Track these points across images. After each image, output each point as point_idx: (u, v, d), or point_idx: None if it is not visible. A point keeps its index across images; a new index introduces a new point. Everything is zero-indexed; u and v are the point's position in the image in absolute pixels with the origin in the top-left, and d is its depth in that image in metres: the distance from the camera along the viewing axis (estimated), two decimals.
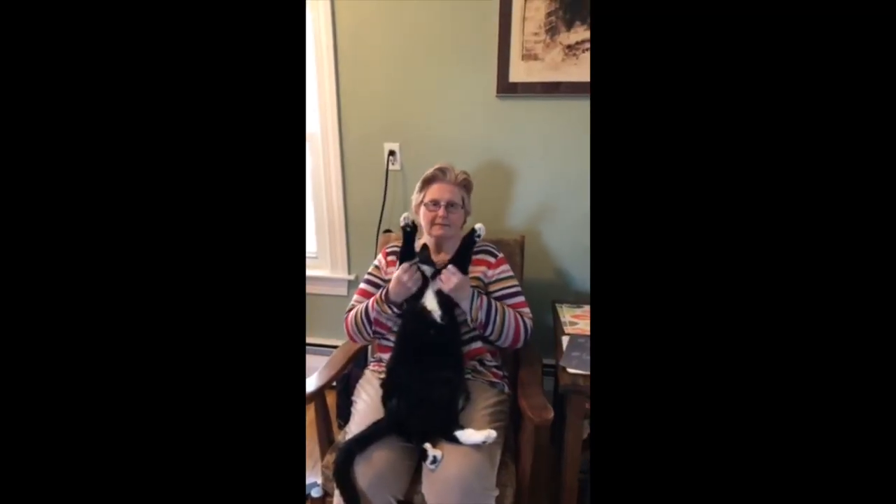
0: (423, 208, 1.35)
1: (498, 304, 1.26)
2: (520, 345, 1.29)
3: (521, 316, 1.28)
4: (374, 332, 1.29)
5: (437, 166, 1.36)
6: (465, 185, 1.38)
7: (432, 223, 1.32)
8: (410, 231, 1.23)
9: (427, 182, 1.36)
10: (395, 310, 1.24)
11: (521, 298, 1.34)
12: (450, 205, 1.31)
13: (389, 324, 1.28)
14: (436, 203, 1.31)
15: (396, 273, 1.21)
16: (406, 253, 1.24)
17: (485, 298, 1.24)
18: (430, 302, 1.21)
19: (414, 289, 1.20)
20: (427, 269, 1.22)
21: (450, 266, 1.20)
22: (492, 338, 1.26)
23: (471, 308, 1.21)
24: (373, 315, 1.26)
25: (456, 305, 1.23)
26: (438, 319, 1.20)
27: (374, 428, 1.12)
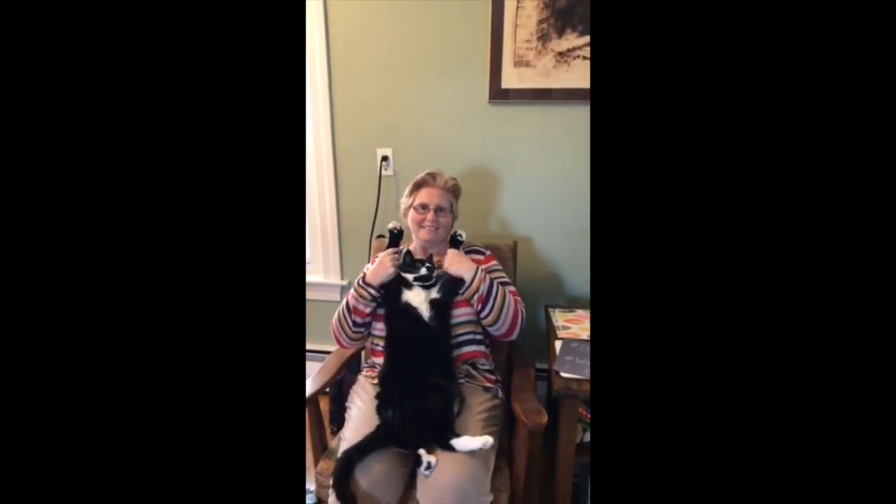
0: (411, 211, 1.36)
1: (498, 285, 1.28)
2: (515, 334, 1.29)
3: (517, 302, 1.30)
4: (354, 324, 1.30)
5: (427, 171, 1.37)
6: (454, 190, 1.40)
7: (420, 226, 1.34)
8: (396, 234, 1.32)
9: (417, 186, 1.37)
10: (372, 292, 1.27)
11: (513, 288, 1.36)
12: (438, 209, 1.33)
13: (367, 310, 1.29)
14: (425, 207, 1.33)
15: (380, 255, 1.28)
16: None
17: (488, 275, 1.27)
18: (415, 298, 1.23)
19: (392, 270, 1.24)
20: (420, 270, 1.25)
21: (449, 250, 1.29)
22: (489, 319, 1.26)
23: (473, 278, 1.23)
24: (352, 303, 1.28)
25: (450, 308, 1.25)
26: (426, 317, 1.22)
27: (373, 438, 1.11)
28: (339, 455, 1.11)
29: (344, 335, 1.32)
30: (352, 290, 1.31)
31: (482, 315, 1.26)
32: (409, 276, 1.24)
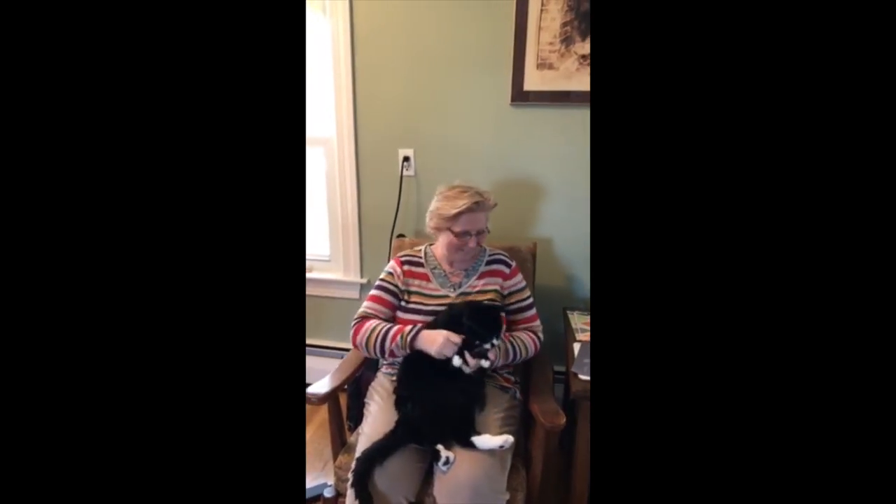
0: (449, 234, 1.29)
1: (519, 343, 1.27)
2: None
3: (535, 335, 1.33)
4: (383, 355, 1.27)
5: (472, 198, 1.26)
6: (492, 208, 1.34)
7: (459, 250, 1.29)
8: (469, 324, 1.18)
9: (459, 214, 1.26)
10: (410, 352, 1.23)
11: (533, 311, 1.37)
12: (479, 232, 1.29)
13: (401, 354, 1.26)
14: (467, 233, 1.27)
15: (445, 333, 1.18)
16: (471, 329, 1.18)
17: (510, 353, 1.26)
18: (458, 361, 1.18)
19: (446, 355, 1.17)
20: (472, 362, 1.18)
21: (491, 354, 1.19)
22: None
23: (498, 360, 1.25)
24: (389, 346, 1.23)
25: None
26: (468, 372, 1.20)
27: (392, 438, 1.11)
28: (358, 455, 1.11)
29: (365, 352, 1.28)
30: (384, 301, 1.30)
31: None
32: (480, 361, 1.18)
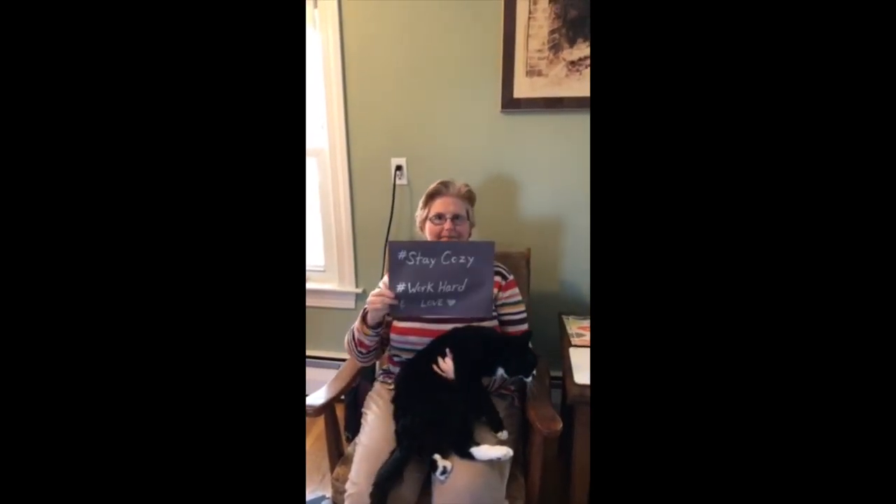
0: (428, 223, 1.37)
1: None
2: None
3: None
4: (360, 353, 1.32)
5: (439, 181, 1.38)
6: (469, 197, 1.40)
7: (439, 237, 1.34)
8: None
9: (430, 197, 1.37)
10: (374, 332, 1.28)
11: (525, 326, 1.36)
12: (455, 217, 1.34)
13: (371, 343, 1.30)
14: (441, 217, 1.34)
15: (376, 293, 1.23)
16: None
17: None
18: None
19: (382, 309, 1.21)
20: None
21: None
22: None
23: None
24: (357, 336, 1.29)
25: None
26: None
27: (401, 456, 1.09)
28: (374, 480, 1.06)
29: (354, 357, 1.36)
30: (355, 327, 1.30)
31: None
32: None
